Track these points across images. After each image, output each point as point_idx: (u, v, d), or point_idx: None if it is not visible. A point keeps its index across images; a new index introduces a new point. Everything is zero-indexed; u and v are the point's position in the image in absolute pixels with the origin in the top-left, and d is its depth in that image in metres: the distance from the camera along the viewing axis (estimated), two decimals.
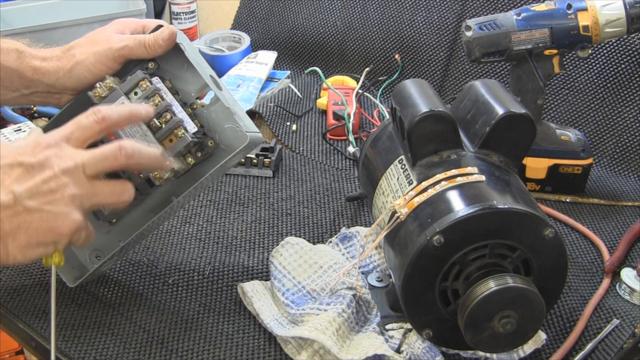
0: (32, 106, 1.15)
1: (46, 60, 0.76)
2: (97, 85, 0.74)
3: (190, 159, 0.73)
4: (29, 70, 0.75)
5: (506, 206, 0.65)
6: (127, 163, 0.65)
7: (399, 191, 0.74)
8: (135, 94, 0.73)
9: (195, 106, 0.75)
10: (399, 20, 1.28)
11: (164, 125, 0.72)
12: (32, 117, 1.15)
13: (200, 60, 0.78)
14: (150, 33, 0.76)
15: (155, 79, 0.74)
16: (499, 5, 1.19)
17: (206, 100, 0.76)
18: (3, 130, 1.07)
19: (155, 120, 0.72)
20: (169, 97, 0.74)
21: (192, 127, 0.73)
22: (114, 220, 0.76)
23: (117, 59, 0.75)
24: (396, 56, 1.27)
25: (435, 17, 1.25)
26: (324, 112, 1.21)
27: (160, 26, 0.76)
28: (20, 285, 0.82)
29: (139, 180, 0.73)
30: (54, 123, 0.78)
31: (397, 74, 1.27)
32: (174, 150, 0.72)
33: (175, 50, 0.76)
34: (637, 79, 1.07)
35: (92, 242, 0.67)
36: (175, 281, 0.83)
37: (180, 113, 0.73)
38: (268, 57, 1.31)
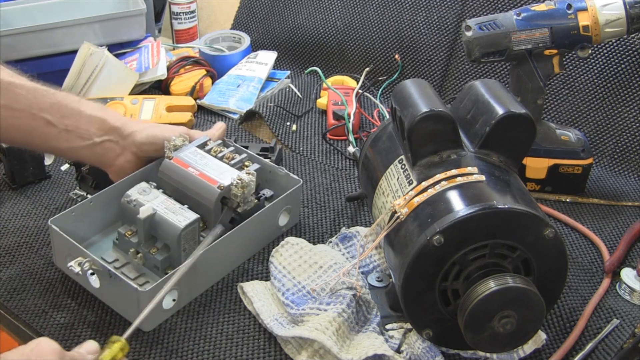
0: None
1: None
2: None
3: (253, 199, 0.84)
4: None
5: (506, 206, 0.65)
6: None
7: (399, 191, 0.74)
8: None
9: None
10: (399, 20, 1.28)
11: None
12: None
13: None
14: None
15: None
16: (499, 5, 1.19)
17: None
18: None
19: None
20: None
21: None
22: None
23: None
24: (396, 56, 1.27)
25: (435, 17, 1.25)
26: (324, 112, 1.21)
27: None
28: (20, 285, 0.82)
29: (233, 214, 0.83)
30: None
31: (397, 74, 1.27)
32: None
33: None
34: (637, 79, 1.07)
35: None
36: None
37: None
38: (268, 57, 1.31)
